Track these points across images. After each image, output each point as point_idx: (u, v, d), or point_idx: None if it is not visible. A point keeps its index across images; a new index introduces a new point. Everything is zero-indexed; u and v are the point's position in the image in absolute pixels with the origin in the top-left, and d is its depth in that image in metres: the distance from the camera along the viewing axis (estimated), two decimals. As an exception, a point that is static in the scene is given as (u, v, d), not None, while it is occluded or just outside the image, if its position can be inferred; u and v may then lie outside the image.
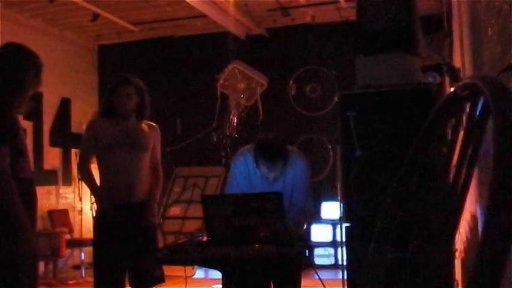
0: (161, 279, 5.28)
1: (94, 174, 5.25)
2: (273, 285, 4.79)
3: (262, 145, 4.72)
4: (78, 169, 5.36)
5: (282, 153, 4.68)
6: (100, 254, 5.16)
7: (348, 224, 4.53)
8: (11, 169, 3.86)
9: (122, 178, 5.07)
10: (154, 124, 5.38)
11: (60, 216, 10.54)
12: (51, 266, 9.79)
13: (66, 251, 10.01)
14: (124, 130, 5.11)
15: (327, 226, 10.15)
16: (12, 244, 3.90)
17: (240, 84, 10.04)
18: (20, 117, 4.21)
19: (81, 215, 11.30)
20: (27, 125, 9.58)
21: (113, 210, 5.03)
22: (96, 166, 5.24)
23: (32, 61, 4.14)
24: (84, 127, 5.48)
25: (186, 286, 5.20)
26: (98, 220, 5.27)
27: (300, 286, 4.82)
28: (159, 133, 5.39)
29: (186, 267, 4.92)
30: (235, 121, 10.09)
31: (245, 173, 4.87)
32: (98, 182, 5.25)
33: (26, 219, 3.90)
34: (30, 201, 4.09)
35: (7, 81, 4.01)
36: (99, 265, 5.19)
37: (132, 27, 10.98)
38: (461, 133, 2.31)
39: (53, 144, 10.95)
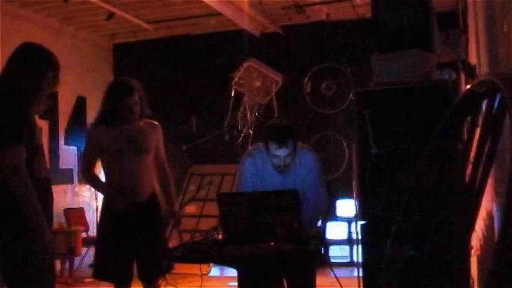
0: (170, 267, 5.24)
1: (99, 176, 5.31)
2: (287, 282, 4.79)
3: (270, 126, 4.86)
4: (82, 174, 5.34)
5: (291, 131, 4.75)
6: (106, 249, 5.19)
7: (363, 222, 4.52)
8: (28, 168, 3.88)
9: (127, 182, 5.09)
10: (155, 122, 5.34)
11: (76, 215, 10.58)
12: (67, 265, 9.83)
13: (82, 250, 10.05)
14: (126, 135, 5.09)
15: (343, 224, 10.15)
16: (27, 242, 3.93)
17: (255, 82, 10.03)
18: (36, 116, 4.23)
19: (97, 213, 11.30)
20: (43, 123, 9.61)
21: (121, 201, 5.08)
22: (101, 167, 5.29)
23: (48, 60, 4.15)
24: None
25: (201, 284, 5.21)
26: (104, 217, 5.27)
27: (315, 283, 4.82)
28: (160, 131, 5.36)
29: (202, 265, 4.93)
30: (251, 119, 10.09)
31: (255, 171, 4.91)
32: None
33: (42, 217, 3.92)
34: (47, 200, 4.12)
35: (23, 80, 4.02)
36: (105, 261, 5.22)
37: (147, 26, 10.99)
38: (478, 130, 2.30)
39: (69, 143, 10.99)
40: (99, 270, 5.28)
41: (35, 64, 4.07)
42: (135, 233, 5.06)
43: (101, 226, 5.30)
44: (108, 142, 5.10)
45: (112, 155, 5.10)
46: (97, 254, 5.40)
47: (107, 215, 5.21)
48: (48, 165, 4.30)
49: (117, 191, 5.13)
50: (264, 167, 4.87)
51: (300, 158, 4.84)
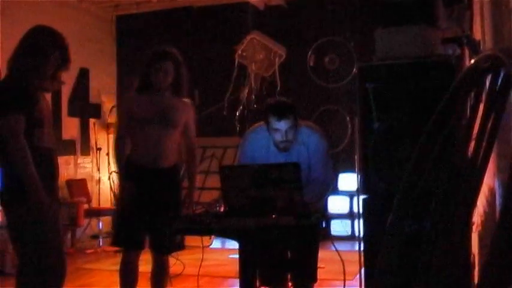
0: (181, 246, 5.30)
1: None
2: (291, 254, 4.81)
3: (270, 101, 4.93)
4: (113, 150, 5.32)
5: (290, 105, 4.80)
6: (123, 214, 5.19)
7: (365, 196, 4.53)
8: (28, 137, 4.20)
9: (149, 152, 5.07)
10: (188, 101, 5.33)
11: (78, 186, 10.61)
12: (69, 236, 9.87)
13: (84, 221, 10.09)
14: (157, 106, 5.08)
15: (344, 198, 10.18)
16: (25, 205, 4.15)
17: (259, 55, 10.00)
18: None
19: (99, 184, 11.37)
20: (46, 95, 9.60)
21: (134, 186, 5.05)
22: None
23: (52, 42, 4.45)
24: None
25: (202, 256, 5.23)
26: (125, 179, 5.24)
27: (317, 257, 4.84)
28: (193, 110, 5.37)
29: (203, 237, 4.93)
30: (254, 92, 10.08)
31: (257, 148, 4.91)
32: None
33: (37, 180, 4.17)
34: (50, 169, 4.36)
35: (25, 60, 4.36)
36: (120, 225, 5.24)
37: (150, -3, 10.96)
38: (482, 105, 2.29)
39: (71, 114, 10.99)
40: (114, 237, 5.33)
41: (36, 46, 4.40)
42: (152, 200, 5.05)
43: (121, 190, 5.28)
44: (136, 109, 5.10)
45: (138, 122, 5.09)
46: (114, 221, 5.41)
47: (127, 178, 5.15)
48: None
49: (138, 158, 5.12)
50: (266, 146, 4.87)
51: (303, 138, 4.84)
